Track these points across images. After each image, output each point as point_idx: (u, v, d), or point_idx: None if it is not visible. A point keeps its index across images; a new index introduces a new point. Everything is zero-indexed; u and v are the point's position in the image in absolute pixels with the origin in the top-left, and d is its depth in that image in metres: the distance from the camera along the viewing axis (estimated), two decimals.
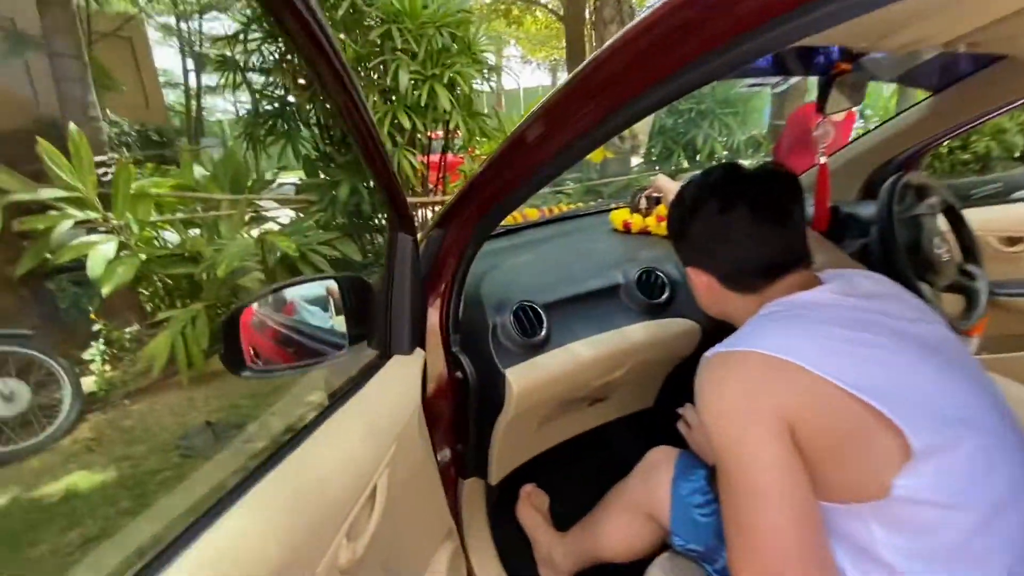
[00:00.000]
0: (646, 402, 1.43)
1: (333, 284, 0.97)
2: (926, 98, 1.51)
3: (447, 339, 1.08)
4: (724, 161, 0.88)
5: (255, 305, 1.01)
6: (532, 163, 0.80)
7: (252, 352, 1.02)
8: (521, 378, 1.03)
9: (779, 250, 0.84)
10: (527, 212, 2.16)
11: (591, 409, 1.31)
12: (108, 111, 10.74)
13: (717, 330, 1.17)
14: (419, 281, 0.94)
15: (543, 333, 1.07)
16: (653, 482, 1.04)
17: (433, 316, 1.07)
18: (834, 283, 0.83)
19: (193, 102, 12.25)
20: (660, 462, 1.06)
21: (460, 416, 1.12)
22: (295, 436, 0.79)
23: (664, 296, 1.22)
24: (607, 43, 0.65)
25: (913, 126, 1.60)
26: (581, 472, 1.52)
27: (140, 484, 2.43)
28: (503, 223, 1.78)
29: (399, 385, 0.92)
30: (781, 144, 3.86)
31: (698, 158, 6.00)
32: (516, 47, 17.60)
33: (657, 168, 6.18)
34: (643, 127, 5.28)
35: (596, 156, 5.24)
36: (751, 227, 0.82)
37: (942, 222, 1.44)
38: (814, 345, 0.71)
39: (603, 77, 0.66)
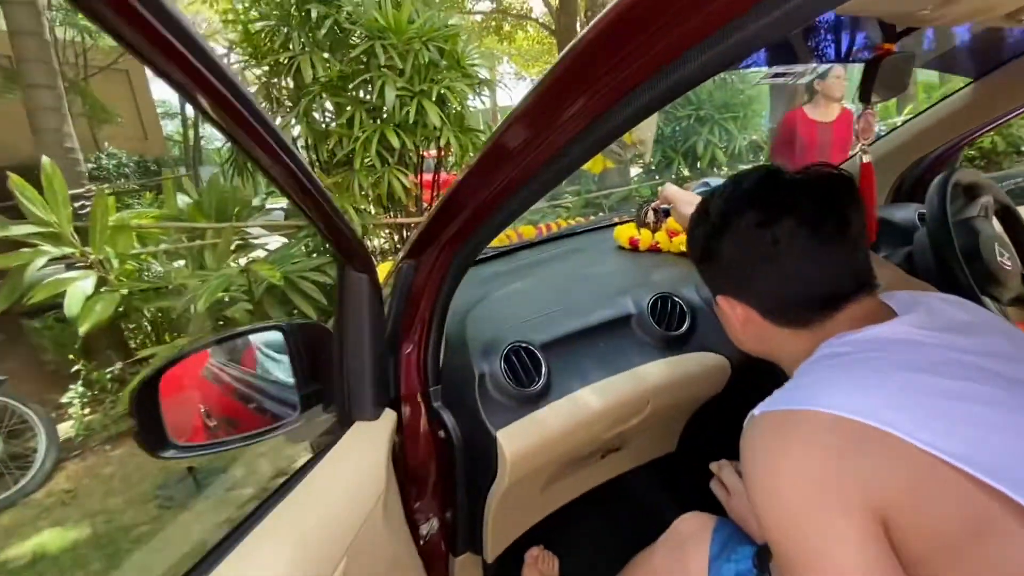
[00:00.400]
0: (667, 448, 1.24)
1: (280, 335, 0.79)
2: (963, 87, 1.33)
3: (426, 392, 0.90)
4: (762, 164, 0.73)
5: (206, 356, 0.83)
6: (518, 174, 0.62)
7: (201, 420, 0.84)
8: (516, 441, 0.84)
9: (839, 273, 0.66)
10: (522, 230, 1.98)
11: (603, 461, 1.12)
12: (106, 143, 10.80)
13: (750, 365, 0.98)
14: (380, 326, 0.76)
15: (541, 381, 0.88)
16: (686, 559, 0.84)
17: (409, 364, 0.89)
18: (912, 313, 0.65)
19: (191, 131, 12.22)
20: (693, 534, 0.86)
21: (448, 480, 0.93)
22: (230, 534, 0.61)
23: (684, 327, 1.03)
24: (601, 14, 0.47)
25: (950, 118, 1.42)
26: (595, 528, 1.32)
27: (113, 542, 2.23)
28: (490, 245, 1.61)
29: (360, 459, 0.73)
30: (774, 149, 3.68)
31: (699, 165, 5.84)
32: (510, 64, 17.63)
33: (657, 178, 6.02)
34: (648, 133, 5.10)
35: (595, 166, 5.08)
36: (803, 244, 0.64)
37: (997, 225, 1.26)
38: (904, 402, 0.53)
39: (601, 61, 0.48)
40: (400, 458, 0.91)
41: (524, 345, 0.91)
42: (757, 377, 0.93)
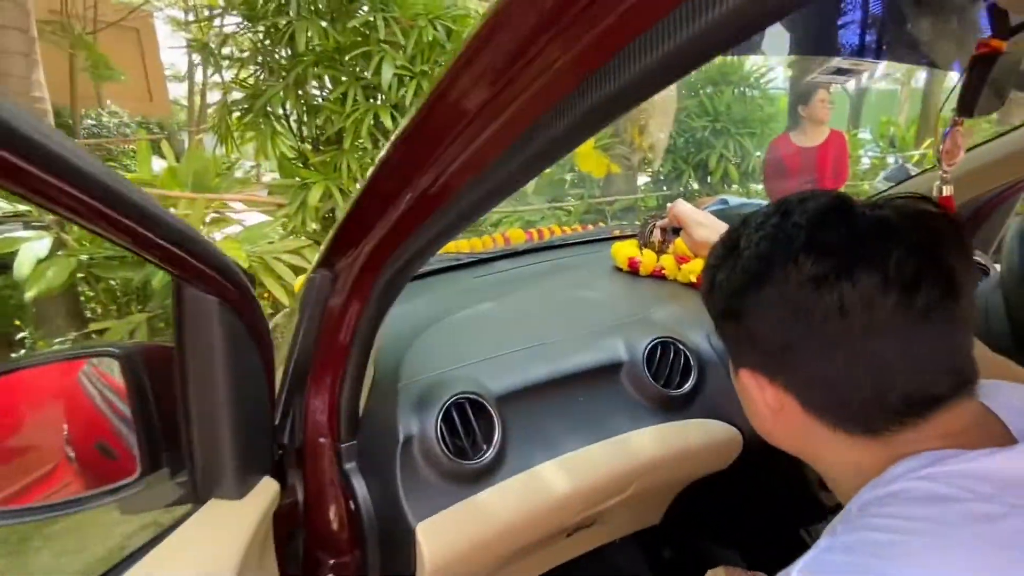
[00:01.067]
0: (649, 520, 1.00)
1: (114, 363, 0.55)
2: None
3: (336, 448, 0.67)
4: (821, 190, 0.51)
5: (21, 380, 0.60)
6: (474, 158, 0.39)
7: None
8: (442, 538, 0.60)
9: (936, 364, 0.43)
10: (510, 234, 1.74)
11: (569, 540, 0.89)
12: (109, 101, 10.51)
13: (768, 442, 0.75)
14: (252, 370, 0.52)
15: (490, 451, 0.65)
16: None
17: (317, 409, 0.66)
18: None
19: (197, 97, 11.95)
20: None
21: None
22: None
23: (687, 384, 0.80)
24: None
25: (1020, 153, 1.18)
26: None
27: None
28: (451, 250, 1.36)
29: (204, 556, 0.49)
30: (765, 175, 3.45)
31: (709, 180, 5.60)
32: None
33: (665, 189, 5.78)
34: (661, 135, 4.84)
35: (598, 170, 4.83)
36: (887, 317, 0.42)
37: None
38: None
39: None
40: (302, 537, 0.68)
41: (473, 397, 0.67)
42: (777, 457, 0.70)
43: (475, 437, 0.65)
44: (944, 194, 0.74)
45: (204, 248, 0.41)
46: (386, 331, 0.83)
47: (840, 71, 0.79)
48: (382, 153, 0.46)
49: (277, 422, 0.71)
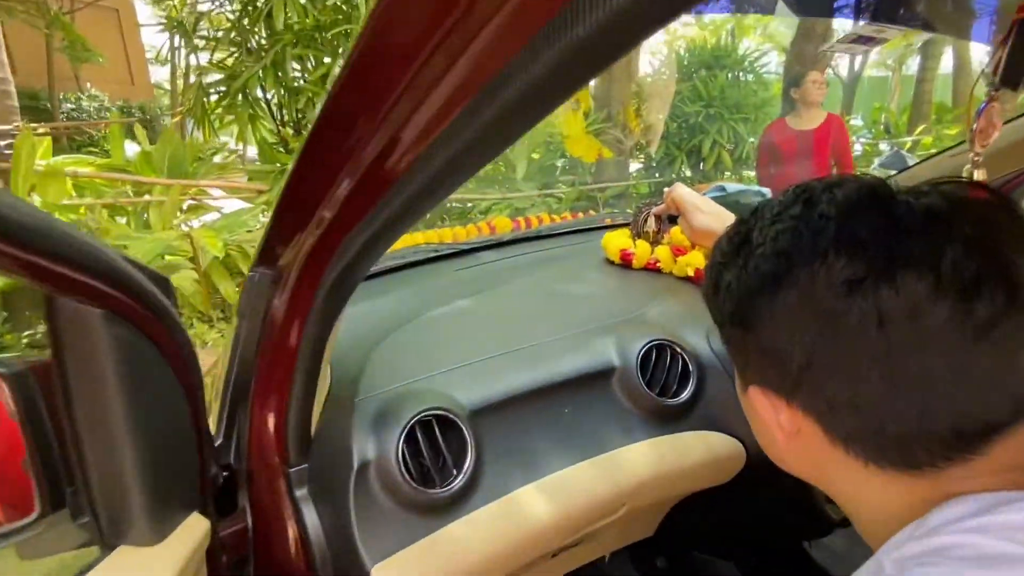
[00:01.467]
0: (644, 533, 0.93)
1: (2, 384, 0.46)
2: None
3: (285, 472, 0.58)
4: (851, 175, 0.39)
5: None
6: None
7: None
8: None
9: (994, 386, 0.35)
10: (496, 222, 1.65)
11: (555, 560, 0.81)
12: (88, 84, 10.20)
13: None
14: (163, 393, 0.43)
15: (461, 477, 0.56)
16: None
17: (262, 428, 0.57)
18: None
19: (180, 81, 11.64)
20: None
21: None
22: None
23: (685, 391, 0.72)
24: None
25: None
26: None
27: None
28: (432, 240, 1.27)
29: None
30: (758, 163, 3.39)
31: (702, 166, 5.51)
32: None
33: (658, 176, 5.68)
34: (658, 117, 4.73)
35: (589, 154, 4.72)
36: (936, 330, 0.34)
37: None
38: None
39: None
40: (252, 565, 0.60)
41: (442, 413, 0.58)
42: (783, 475, 0.62)
43: (444, 460, 0.56)
44: (976, 178, 0.65)
45: (78, 249, 0.32)
46: (348, 335, 0.74)
47: (861, 39, 0.71)
48: (317, 110, 0.36)
49: (220, 442, 0.62)
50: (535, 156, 5.04)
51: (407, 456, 0.55)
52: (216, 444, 0.62)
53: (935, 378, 0.34)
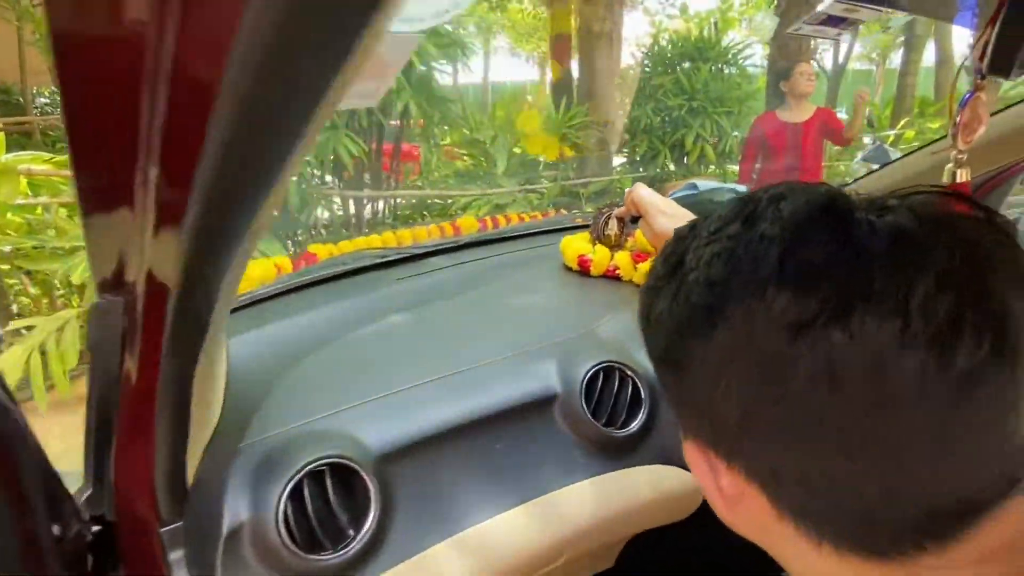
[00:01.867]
0: (603, 565, 0.85)
1: None
2: None
3: (156, 531, 0.49)
4: (797, 183, 0.31)
5: None
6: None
7: None
8: None
9: (981, 459, 0.28)
10: (460, 222, 1.56)
11: None
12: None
13: None
14: None
15: (362, 536, 0.47)
16: None
17: (129, 476, 0.49)
18: None
19: None
20: None
21: None
22: None
23: (636, 421, 0.64)
24: None
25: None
26: None
27: None
28: (376, 245, 1.17)
29: None
30: (743, 156, 3.35)
31: (686, 160, 5.44)
32: (505, 37, 16.84)
33: (641, 170, 5.60)
34: (618, 113, 4.69)
35: (549, 153, 4.65)
36: (911, 392, 0.26)
37: None
38: None
39: None
40: None
41: (338, 461, 0.49)
42: None
43: (338, 520, 0.48)
44: (959, 180, 0.58)
45: None
46: (253, 361, 0.65)
47: (831, 19, 0.64)
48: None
49: (90, 493, 0.53)
50: (517, 151, 4.95)
51: (291, 518, 0.46)
52: (86, 495, 0.54)
53: (903, 447, 0.26)
